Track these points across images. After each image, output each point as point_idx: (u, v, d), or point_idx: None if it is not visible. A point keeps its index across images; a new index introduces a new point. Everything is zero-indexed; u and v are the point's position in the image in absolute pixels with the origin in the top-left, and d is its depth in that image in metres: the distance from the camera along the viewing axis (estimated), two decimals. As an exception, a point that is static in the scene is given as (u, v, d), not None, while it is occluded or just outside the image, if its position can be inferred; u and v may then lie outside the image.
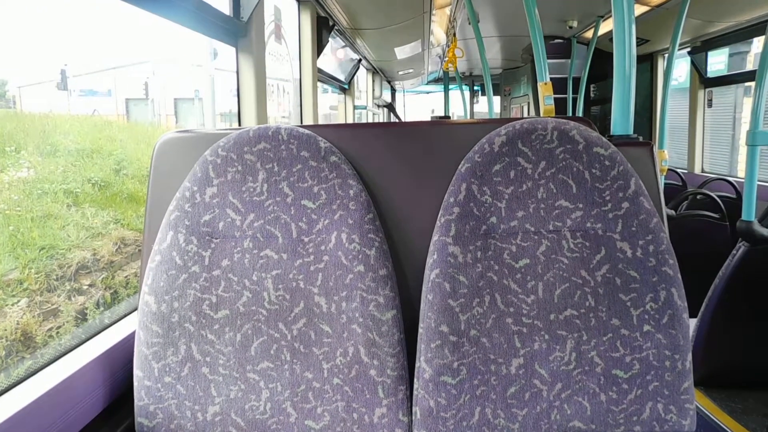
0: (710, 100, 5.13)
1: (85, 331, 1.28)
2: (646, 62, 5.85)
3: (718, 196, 3.38)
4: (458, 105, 12.03)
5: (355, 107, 6.93)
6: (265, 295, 1.11)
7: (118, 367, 1.22)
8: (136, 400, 1.13)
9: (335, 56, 5.70)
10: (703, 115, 5.15)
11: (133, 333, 1.16)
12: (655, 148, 1.24)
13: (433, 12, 4.85)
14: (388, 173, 1.22)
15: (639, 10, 4.44)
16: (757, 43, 4.87)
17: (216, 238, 1.13)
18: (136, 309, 1.21)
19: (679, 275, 1.08)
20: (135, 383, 1.12)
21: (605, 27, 5.35)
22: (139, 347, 1.12)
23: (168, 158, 1.25)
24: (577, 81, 6.30)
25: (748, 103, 4.86)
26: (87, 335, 1.27)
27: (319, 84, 4.04)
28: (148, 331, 1.11)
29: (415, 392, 1.11)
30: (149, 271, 1.13)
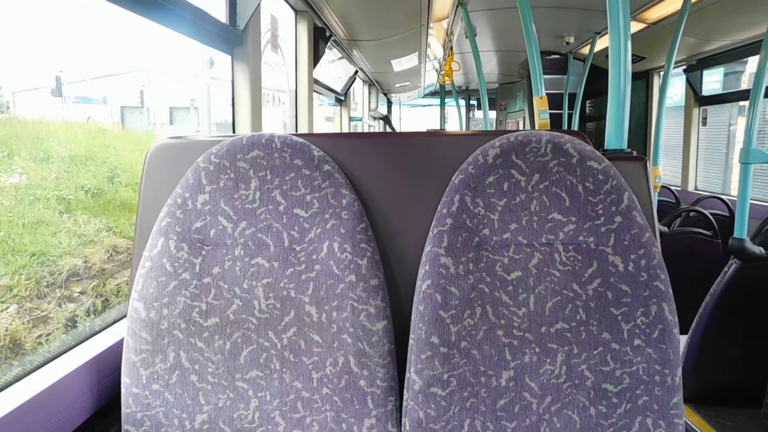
0: (705, 119, 5.16)
1: (74, 338, 1.27)
2: (642, 79, 5.87)
3: (711, 214, 3.40)
4: (454, 121, 12.06)
5: (351, 119, 6.94)
6: (255, 303, 1.10)
7: (106, 374, 1.21)
8: (123, 408, 1.11)
9: (333, 68, 5.71)
10: (698, 134, 5.17)
11: (122, 340, 1.14)
12: (649, 164, 1.24)
13: (431, 25, 4.87)
14: (382, 183, 1.21)
15: (635, 27, 4.46)
16: (752, 63, 4.91)
17: (207, 246, 1.12)
18: (125, 316, 1.20)
19: (671, 290, 1.08)
20: (123, 390, 1.11)
21: (602, 43, 5.37)
22: (127, 354, 1.11)
23: (160, 165, 1.24)
24: (573, 97, 6.33)
25: (742, 122, 4.89)
26: (76, 342, 1.26)
27: (315, 96, 4.04)
28: (137, 338, 1.10)
29: (404, 403, 1.10)
30: (139, 278, 1.12)
